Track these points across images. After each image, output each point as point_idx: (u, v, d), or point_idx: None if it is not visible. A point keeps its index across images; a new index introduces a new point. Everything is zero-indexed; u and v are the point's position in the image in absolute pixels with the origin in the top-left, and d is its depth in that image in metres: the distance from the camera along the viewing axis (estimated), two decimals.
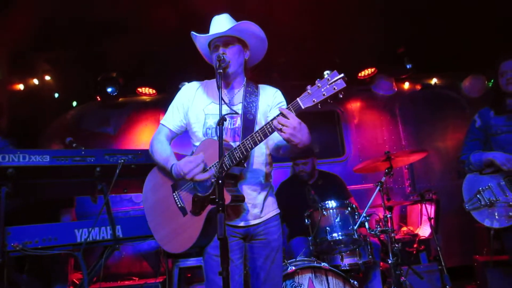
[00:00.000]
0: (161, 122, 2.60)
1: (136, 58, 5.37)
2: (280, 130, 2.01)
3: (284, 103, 2.56)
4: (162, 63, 5.22)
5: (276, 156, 2.50)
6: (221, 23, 2.46)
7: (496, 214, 3.13)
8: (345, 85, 1.95)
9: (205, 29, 2.49)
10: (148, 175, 2.62)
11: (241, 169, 2.32)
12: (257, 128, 2.37)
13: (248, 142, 2.15)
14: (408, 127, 6.32)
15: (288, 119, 2.00)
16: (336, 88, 1.96)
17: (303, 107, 2.03)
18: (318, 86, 1.99)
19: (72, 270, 4.06)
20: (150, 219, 2.53)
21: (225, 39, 2.41)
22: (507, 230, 3.12)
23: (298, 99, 2.05)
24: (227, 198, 2.15)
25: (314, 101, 2.00)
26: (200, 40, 2.48)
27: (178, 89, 2.65)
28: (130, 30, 4.69)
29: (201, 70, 3.32)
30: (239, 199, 2.26)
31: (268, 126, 2.10)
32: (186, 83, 2.65)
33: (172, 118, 2.56)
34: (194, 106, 2.50)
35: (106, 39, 4.86)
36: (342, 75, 1.96)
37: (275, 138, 2.36)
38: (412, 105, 6.38)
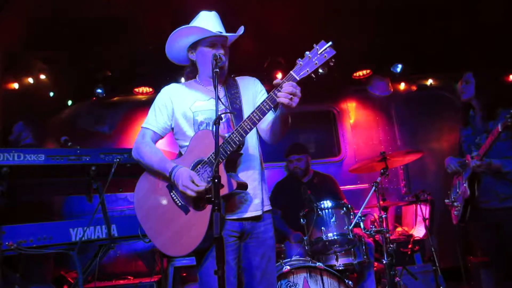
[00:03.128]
0: (142, 126, 2.53)
1: (132, 57, 5.36)
2: (290, 100, 2.04)
3: (264, 90, 2.61)
4: (158, 61, 5.20)
5: (273, 140, 2.47)
6: (213, 21, 2.47)
7: (452, 212, 3.61)
8: (334, 52, 2.01)
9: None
10: (137, 183, 2.49)
11: (239, 155, 2.32)
12: (245, 116, 2.36)
13: (246, 123, 2.16)
14: (404, 127, 6.34)
15: (296, 89, 2.05)
16: (326, 56, 2.02)
17: (298, 79, 2.08)
18: (309, 57, 2.06)
19: (52, 270, 4.00)
20: (148, 227, 2.40)
21: (224, 40, 2.45)
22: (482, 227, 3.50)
23: (291, 71, 2.09)
24: (233, 185, 2.16)
25: (307, 71, 2.06)
26: (193, 34, 2.43)
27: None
28: (125, 29, 4.67)
29: None
30: (243, 185, 2.24)
31: (265, 103, 2.13)
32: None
33: (155, 121, 2.49)
34: (179, 105, 2.47)
35: (102, 38, 4.84)
36: (330, 43, 2.03)
37: (266, 122, 2.42)
38: (408, 105, 6.40)
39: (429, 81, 6.44)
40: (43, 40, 4.75)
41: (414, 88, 6.52)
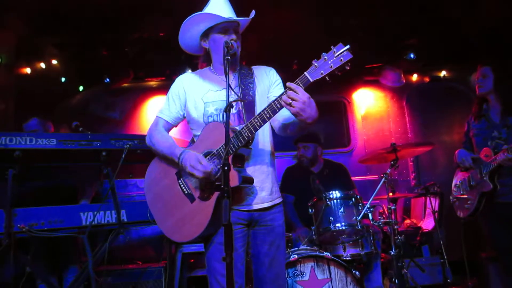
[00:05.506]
0: (157, 114, 2.57)
1: (144, 43, 5.36)
2: (290, 105, 2.01)
3: (280, 81, 2.57)
4: (170, 48, 5.19)
5: (283, 135, 2.46)
6: (224, 7, 2.42)
7: (461, 206, 3.63)
8: (351, 56, 1.95)
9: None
10: (148, 168, 2.54)
11: (248, 151, 2.31)
12: (257, 109, 2.36)
13: (256, 120, 2.14)
14: (415, 119, 6.28)
15: (297, 93, 1.99)
16: (343, 60, 1.96)
17: (311, 80, 2.03)
18: (325, 59, 2.00)
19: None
20: (155, 211, 2.46)
21: (235, 25, 2.41)
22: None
23: (305, 72, 2.05)
24: (237, 179, 2.14)
25: (322, 73, 2.00)
26: (204, 21, 2.39)
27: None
28: (137, 16, 4.66)
29: None
30: (248, 180, 2.23)
31: (277, 102, 2.09)
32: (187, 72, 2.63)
33: (168, 110, 2.53)
34: (192, 95, 2.47)
35: (114, 24, 4.84)
36: (348, 46, 1.96)
37: (281, 117, 2.38)
38: (420, 97, 6.32)
39: (443, 73, 6.34)
40: (55, 25, 4.77)
41: (427, 79, 6.43)
